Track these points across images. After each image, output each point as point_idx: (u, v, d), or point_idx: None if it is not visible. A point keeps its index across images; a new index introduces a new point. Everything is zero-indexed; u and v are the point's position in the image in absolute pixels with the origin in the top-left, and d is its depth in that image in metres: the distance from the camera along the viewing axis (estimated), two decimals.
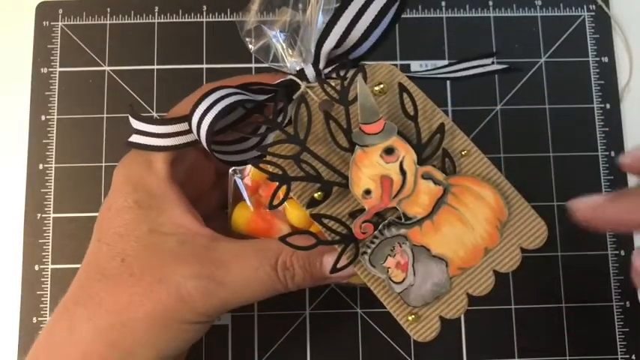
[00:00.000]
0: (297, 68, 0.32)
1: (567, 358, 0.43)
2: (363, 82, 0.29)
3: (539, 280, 0.44)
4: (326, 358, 0.43)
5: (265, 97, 0.31)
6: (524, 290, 0.43)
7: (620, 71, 0.47)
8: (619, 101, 0.47)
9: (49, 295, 0.43)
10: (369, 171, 0.29)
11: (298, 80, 0.32)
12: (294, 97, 0.32)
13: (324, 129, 0.30)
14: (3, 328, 0.43)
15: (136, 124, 0.33)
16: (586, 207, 0.29)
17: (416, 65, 0.47)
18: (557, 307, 0.43)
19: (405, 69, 0.47)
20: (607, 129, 0.46)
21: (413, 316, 0.30)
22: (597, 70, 0.47)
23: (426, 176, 0.30)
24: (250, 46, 0.33)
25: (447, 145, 0.30)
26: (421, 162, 0.30)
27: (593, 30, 0.48)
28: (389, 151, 0.30)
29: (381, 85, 0.31)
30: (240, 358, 0.42)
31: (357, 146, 0.30)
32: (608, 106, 0.46)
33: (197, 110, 0.29)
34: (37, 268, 0.43)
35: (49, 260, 0.43)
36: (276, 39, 0.32)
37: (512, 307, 0.43)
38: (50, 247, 0.44)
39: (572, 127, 0.46)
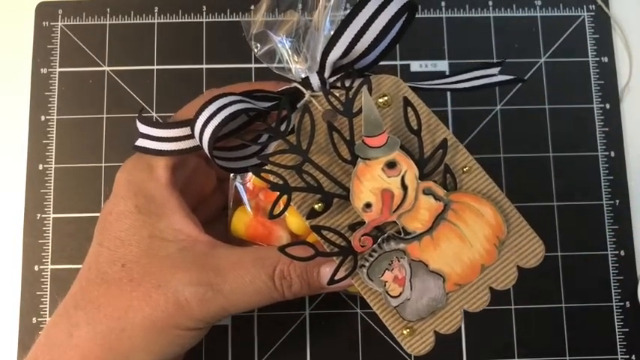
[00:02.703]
0: (302, 75, 0.32)
1: (567, 358, 0.43)
2: (368, 95, 0.29)
3: (539, 280, 0.44)
4: (326, 358, 0.43)
5: (269, 104, 0.31)
6: (524, 290, 0.43)
7: (620, 71, 0.47)
8: (619, 101, 0.47)
9: (48, 296, 0.43)
10: (371, 184, 0.29)
11: (303, 89, 0.31)
12: (298, 105, 0.32)
13: (327, 139, 0.30)
14: (3, 328, 0.43)
15: (142, 127, 0.33)
16: None
17: (416, 65, 0.47)
18: (557, 307, 0.44)
19: (405, 69, 0.47)
20: (607, 129, 0.46)
21: (408, 330, 0.30)
22: (597, 70, 0.47)
23: (427, 192, 0.30)
24: (255, 49, 0.33)
25: (449, 161, 0.30)
26: (423, 177, 0.30)
27: (593, 30, 0.48)
28: (391, 165, 0.30)
29: (386, 97, 0.31)
30: (240, 358, 0.42)
31: (359, 159, 0.30)
32: (608, 106, 0.46)
33: (200, 117, 0.29)
34: (36, 268, 0.43)
35: (49, 260, 0.43)
36: (282, 44, 0.32)
37: (512, 307, 0.43)
38: (50, 247, 0.44)
39: (572, 127, 0.46)
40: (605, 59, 0.47)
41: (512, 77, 0.35)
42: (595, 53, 0.47)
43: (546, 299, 0.44)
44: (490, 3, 0.48)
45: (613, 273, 0.44)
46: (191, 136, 0.31)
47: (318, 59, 0.31)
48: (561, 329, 0.43)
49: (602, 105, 0.46)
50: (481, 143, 0.46)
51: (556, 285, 0.44)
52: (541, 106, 0.46)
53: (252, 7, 0.33)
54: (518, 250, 0.30)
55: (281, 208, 0.29)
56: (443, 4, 0.48)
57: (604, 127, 0.46)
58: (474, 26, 0.48)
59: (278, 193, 0.29)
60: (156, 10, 0.47)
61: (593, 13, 0.48)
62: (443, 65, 0.47)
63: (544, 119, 0.46)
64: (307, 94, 0.31)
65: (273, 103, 0.31)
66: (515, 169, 0.45)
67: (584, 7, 0.48)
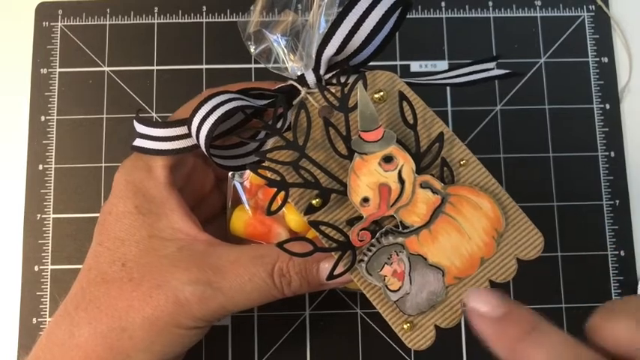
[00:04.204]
0: (298, 73, 0.32)
1: None
2: (363, 90, 0.29)
3: (539, 280, 0.44)
4: (326, 359, 0.43)
5: (265, 102, 0.31)
6: (524, 290, 0.43)
7: (619, 71, 0.47)
8: (619, 101, 0.47)
9: (48, 296, 0.43)
10: (368, 179, 0.29)
11: (299, 86, 0.32)
12: (294, 102, 0.32)
13: (323, 135, 0.30)
14: (3, 329, 0.43)
15: (139, 127, 0.33)
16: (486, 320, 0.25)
17: (416, 65, 0.47)
18: (557, 307, 0.43)
19: (405, 69, 0.47)
20: (607, 129, 0.46)
21: (408, 325, 0.30)
22: (597, 70, 0.47)
23: (425, 185, 0.30)
24: (251, 49, 0.33)
25: (446, 155, 0.30)
26: (420, 171, 0.30)
27: (592, 30, 0.48)
28: (388, 159, 0.30)
29: (381, 93, 0.31)
30: (240, 358, 0.42)
31: (355, 154, 0.30)
32: (608, 106, 0.46)
33: (197, 115, 0.30)
34: (36, 268, 0.43)
35: (49, 261, 0.43)
36: (277, 43, 0.32)
37: None
38: (50, 247, 0.44)
39: (572, 127, 0.46)
40: (605, 59, 0.47)
41: (508, 72, 0.35)
42: (595, 53, 0.47)
43: (546, 299, 0.44)
44: (490, 3, 0.48)
45: (613, 273, 0.44)
46: (188, 135, 0.31)
47: (314, 57, 0.31)
48: (561, 329, 0.43)
49: (602, 105, 0.46)
50: (481, 143, 0.46)
51: (556, 285, 0.44)
52: (541, 106, 0.46)
53: (252, 7, 0.33)
54: (517, 242, 0.30)
55: (279, 204, 0.29)
56: (443, 4, 0.48)
57: (604, 127, 0.46)
58: (474, 26, 0.48)
59: (275, 189, 0.29)
60: (156, 11, 0.47)
61: (593, 13, 0.48)
62: (443, 65, 0.47)
63: (544, 119, 0.46)
64: (303, 91, 0.31)
65: (269, 100, 0.31)
66: (515, 169, 0.45)
67: (584, 7, 0.48)
